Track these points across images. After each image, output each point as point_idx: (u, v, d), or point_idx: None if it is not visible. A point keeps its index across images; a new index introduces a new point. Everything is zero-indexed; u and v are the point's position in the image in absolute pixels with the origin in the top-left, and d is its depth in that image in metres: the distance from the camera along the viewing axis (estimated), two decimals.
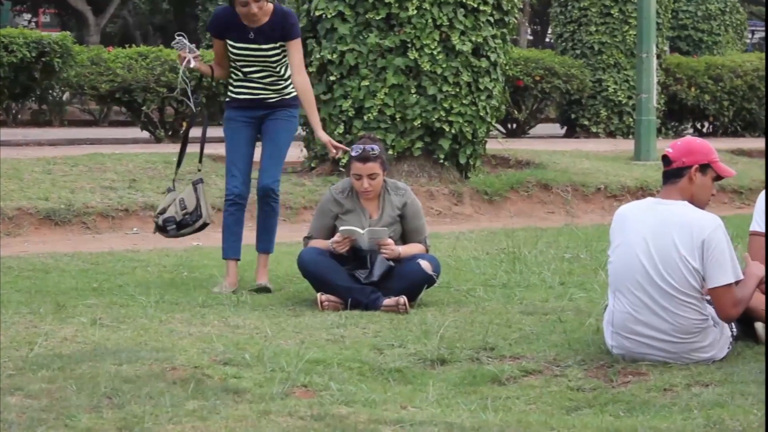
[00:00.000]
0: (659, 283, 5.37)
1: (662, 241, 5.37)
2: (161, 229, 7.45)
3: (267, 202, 7.57)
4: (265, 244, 7.63)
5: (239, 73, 7.50)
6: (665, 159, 5.57)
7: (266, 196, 7.55)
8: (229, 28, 7.38)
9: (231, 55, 7.47)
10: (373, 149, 7.01)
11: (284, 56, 7.44)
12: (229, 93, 7.62)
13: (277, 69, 7.46)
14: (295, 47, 7.45)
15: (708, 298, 5.48)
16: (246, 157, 7.59)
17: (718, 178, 5.58)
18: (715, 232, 5.34)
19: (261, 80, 7.47)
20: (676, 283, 5.35)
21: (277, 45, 7.40)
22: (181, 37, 7.46)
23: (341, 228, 6.95)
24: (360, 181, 7.03)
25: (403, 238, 7.14)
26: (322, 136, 7.47)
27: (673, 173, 5.53)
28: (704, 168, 5.50)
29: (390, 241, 6.97)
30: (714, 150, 5.64)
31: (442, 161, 12.65)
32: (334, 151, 7.45)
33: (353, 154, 7.07)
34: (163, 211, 7.39)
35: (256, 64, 7.42)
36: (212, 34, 7.52)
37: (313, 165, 12.96)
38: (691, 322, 5.39)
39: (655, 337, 5.42)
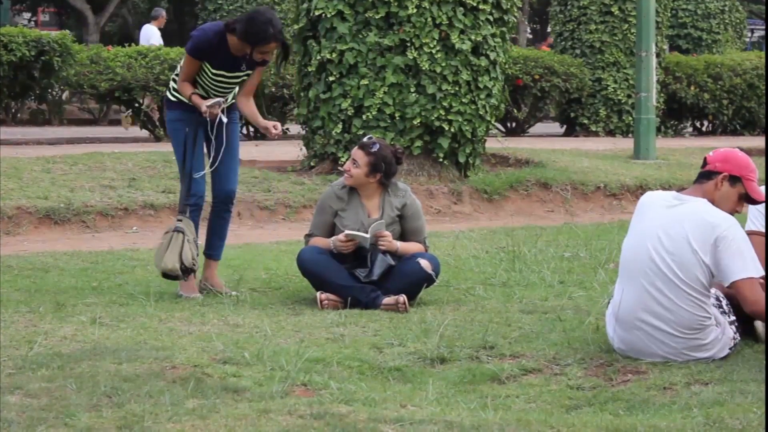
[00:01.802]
0: (667, 274, 5.38)
1: (675, 232, 5.40)
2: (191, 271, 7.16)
3: (227, 209, 7.45)
4: (218, 251, 7.47)
5: (197, 86, 7.23)
6: (704, 160, 5.66)
7: (228, 202, 7.43)
8: (217, 55, 7.12)
9: (201, 74, 7.21)
10: (374, 145, 7.08)
11: None
12: (173, 93, 7.31)
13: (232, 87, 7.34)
14: (261, 72, 7.38)
15: (714, 296, 5.51)
16: (201, 158, 7.35)
17: (748, 198, 5.61)
18: (730, 229, 5.37)
19: (218, 93, 7.27)
20: (684, 276, 5.37)
21: (254, 70, 7.32)
22: (220, 100, 7.16)
23: (347, 232, 6.95)
24: (348, 161, 7.17)
25: (402, 239, 7.15)
26: (261, 121, 7.32)
27: (704, 174, 5.62)
28: (734, 180, 5.56)
29: (387, 233, 6.99)
30: (755, 169, 5.65)
31: (441, 160, 12.65)
32: (274, 131, 7.25)
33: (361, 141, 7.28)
34: (194, 259, 7.08)
35: (227, 84, 7.26)
36: (194, 56, 7.11)
37: (312, 164, 12.95)
38: (693, 318, 5.39)
39: (657, 327, 5.42)
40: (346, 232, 6.94)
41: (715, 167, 5.58)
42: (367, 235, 6.91)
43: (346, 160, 7.27)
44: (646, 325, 5.45)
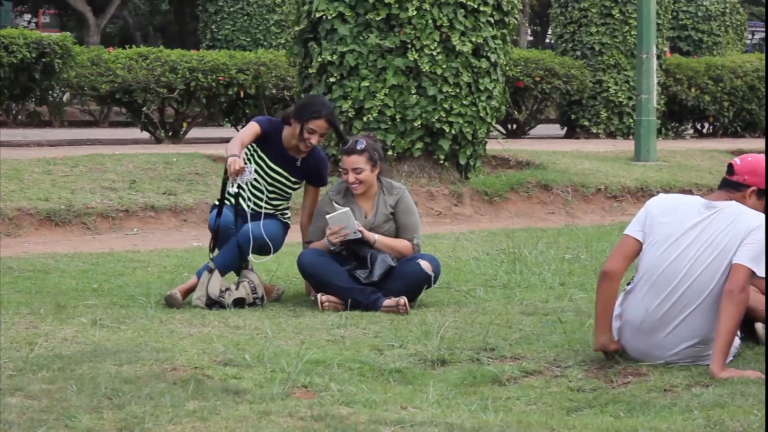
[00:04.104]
0: (703, 286, 5.31)
1: (718, 245, 5.31)
2: (217, 303, 6.90)
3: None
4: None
5: (244, 190, 7.17)
6: (729, 167, 5.55)
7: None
8: (271, 141, 7.17)
9: (258, 168, 7.18)
10: (359, 143, 7.06)
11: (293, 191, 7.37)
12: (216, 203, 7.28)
13: (285, 196, 7.34)
14: (317, 193, 7.42)
15: None
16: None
17: None
18: (762, 227, 5.28)
19: (270, 198, 7.26)
20: (717, 288, 5.30)
21: (296, 182, 7.34)
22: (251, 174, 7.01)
23: (327, 216, 6.94)
24: (347, 176, 7.08)
25: (396, 237, 7.14)
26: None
27: (731, 184, 5.50)
28: (761, 193, 5.47)
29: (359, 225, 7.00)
30: None
31: (442, 162, 12.66)
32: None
33: (341, 146, 7.20)
34: (223, 291, 6.89)
35: (281, 188, 7.23)
36: (258, 122, 7.19)
37: None
38: (710, 329, 5.34)
39: (672, 337, 5.38)
40: (327, 217, 6.93)
41: (744, 180, 5.46)
42: (346, 208, 6.91)
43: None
44: (664, 335, 5.40)
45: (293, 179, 7.31)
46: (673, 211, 5.47)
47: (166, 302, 6.92)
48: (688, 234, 5.38)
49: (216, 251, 7.12)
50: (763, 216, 5.37)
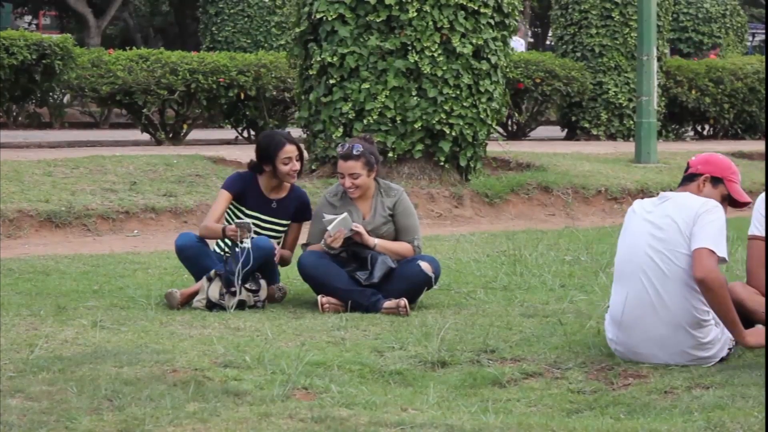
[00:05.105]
0: (662, 267, 5.43)
1: (665, 223, 5.48)
2: (218, 306, 6.91)
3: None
4: None
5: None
6: (687, 164, 5.80)
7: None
8: (250, 193, 7.20)
9: (235, 218, 7.18)
10: (355, 148, 7.04)
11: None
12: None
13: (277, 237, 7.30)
14: (298, 228, 7.40)
15: None
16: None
17: (731, 199, 5.70)
18: (712, 210, 5.46)
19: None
20: (678, 266, 5.40)
21: (288, 222, 7.31)
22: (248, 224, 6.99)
23: (329, 228, 6.92)
24: (344, 180, 7.06)
25: (395, 239, 7.14)
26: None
27: (687, 177, 5.75)
28: (715, 181, 5.69)
29: (359, 225, 6.97)
30: (736, 171, 5.78)
31: (442, 163, 12.66)
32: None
33: (338, 151, 7.14)
34: (223, 294, 6.90)
35: (261, 233, 7.18)
36: (229, 189, 7.20)
37: (313, 167, 12.97)
38: (691, 314, 5.40)
39: (656, 325, 5.42)
40: (329, 228, 6.91)
41: (697, 169, 5.72)
42: (344, 214, 6.91)
43: None
44: (645, 325, 5.45)
45: (284, 221, 7.28)
46: (636, 209, 5.70)
47: (165, 299, 6.95)
48: (641, 224, 5.58)
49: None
50: (711, 201, 5.53)
